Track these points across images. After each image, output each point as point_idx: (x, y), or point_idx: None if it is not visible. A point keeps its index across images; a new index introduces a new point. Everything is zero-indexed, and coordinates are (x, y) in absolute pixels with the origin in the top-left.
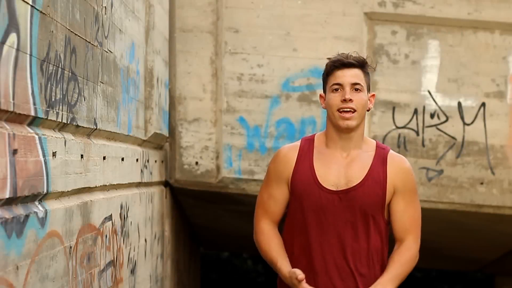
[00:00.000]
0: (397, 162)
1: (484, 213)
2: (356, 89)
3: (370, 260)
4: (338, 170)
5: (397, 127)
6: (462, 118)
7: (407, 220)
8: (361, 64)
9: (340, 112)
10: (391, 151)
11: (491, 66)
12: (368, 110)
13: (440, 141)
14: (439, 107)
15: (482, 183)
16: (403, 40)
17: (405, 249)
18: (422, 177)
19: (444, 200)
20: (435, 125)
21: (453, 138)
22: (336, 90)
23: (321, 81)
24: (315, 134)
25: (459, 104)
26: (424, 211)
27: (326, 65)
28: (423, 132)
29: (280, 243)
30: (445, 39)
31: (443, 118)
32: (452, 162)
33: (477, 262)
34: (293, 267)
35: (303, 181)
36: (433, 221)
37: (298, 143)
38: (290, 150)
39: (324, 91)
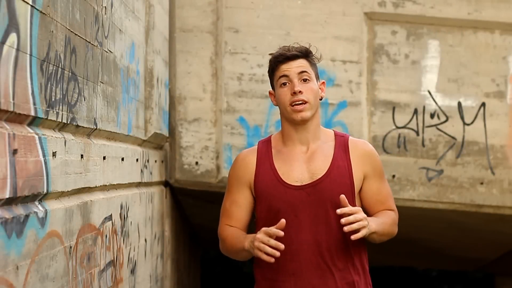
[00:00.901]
0: (359, 147)
1: (484, 213)
2: (305, 80)
3: (348, 252)
4: (300, 165)
5: (397, 127)
6: (462, 118)
7: (383, 199)
8: (305, 54)
9: (292, 105)
10: (350, 137)
11: (491, 66)
12: (320, 99)
13: (440, 141)
14: (439, 107)
15: (482, 183)
16: (403, 40)
17: (388, 211)
18: (422, 177)
19: (444, 200)
20: (435, 125)
21: (453, 138)
22: (284, 84)
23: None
24: (271, 135)
25: (459, 104)
26: (424, 211)
27: (270, 60)
28: (423, 132)
29: (238, 231)
30: (445, 39)
31: (443, 118)
32: (452, 162)
33: (477, 262)
34: (267, 270)
35: (266, 183)
36: (433, 221)
37: (255, 146)
38: (248, 154)
39: (273, 88)
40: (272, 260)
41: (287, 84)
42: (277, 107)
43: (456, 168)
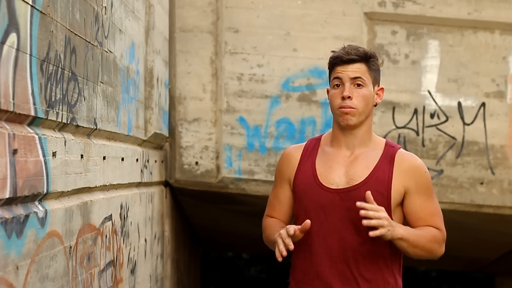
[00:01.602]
0: (406, 161)
1: (484, 213)
2: (358, 85)
3: (376, 265)
4: (340, 168)
5: (397, 127)
6: (462, 118)
7: (427, 217)
8: (363, 58)
9: (340, 109)
10: (400, 149)
11: (491, 66)
12: (375, 105)
13: (440, 141)
14: (439, 107)
15: (482, 183)
16: (403, 40)
17: (431, 227)
18: None
19: (444, 200)
20: (435, 125)
21: (453, 138)
22: (337, 86)
23: (321, 81)
24: (323, 134)
25: (459, 104)
26: None
27: (329, 58)
28: (423, 132)
29: (279, 222)
30: (445, 39)
31: (443, 118)
32: (452, 162)
33: (477, 262)
34: (297, 271)
35: (304, 180)
36: None
37: (304, 143)
38: (294, 150)
39: (330, 85)
40: (280, 258)
41: (339, 86)
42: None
43: (456, 168)
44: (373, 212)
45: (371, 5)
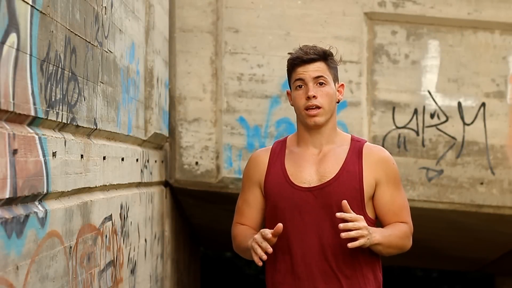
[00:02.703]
0: (374, 153)
1: (484, 213)
2: (321, 83)
3: (356, 260)
4: (310, 167)
5: (397, 127)
6: (462, 118)
7: (397, 209)
8: (323, 57)
9: (306, 110)
10: (367, 143)
11: (491, 66)
12: (338, 102)
13: (440, 141)
14: (439, 107)
15: (482, 183)
16: (403, 40)
17: (400, 223)
18: (422, 177)
19: (444, 200)
20: (435, 125)
21: (453, 138)
22: (300, 87)
23: None
24: (287, 136)
25: (459, 104)
26: (424, 211)
27: (287, 61)
28: (423, 132)
29: (249, 229)
30: (445, 39)
31: (443, 118)
32: (452, 162)
33: (477, 262)
34: (275, 273)
35: (275, 182)
36: (433, 221)
37: (270, 146)
38: (261, 153)
39: (290, 87)
40: (260, 263)
41: (302, 87)
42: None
43: (456, 168)
44: (352, 224)
45: (371, 5)
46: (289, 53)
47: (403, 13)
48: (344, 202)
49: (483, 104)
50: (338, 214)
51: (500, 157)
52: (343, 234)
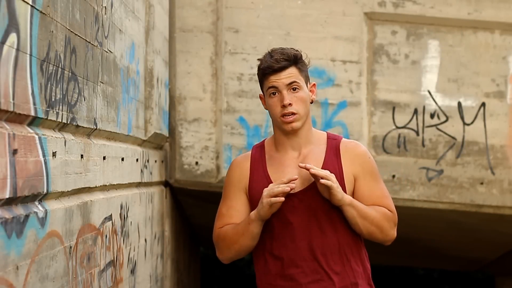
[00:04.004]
0: (350, 149)
1: (484, 213)
2: (294, 89)
3: (344, 256)
4: (292, 171)
5: (397, 127)
6: (462, 118)
7: (377, 199)
8: (293, 61)
9: (283, 117)
10: (343, 139)
11: (491, 66)
12: (311, 102)
13: (440, 141)
14: (439, 107)
15: (482, 183)
16: (403, 40)
17: (381, 206)
18: (422, 177)
19: (444, 200)
20: (435, 125)
21: (453, 138)
22: (274, 94)
23: (320, 81)
24: (265, 140)
25: (459, 104)
26: (424, 211)
27: (258, 68)
28: (423, 132)
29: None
30: (445, 39)
31: (443, 118)
32: (452, 162)
33: (477, 262)
34: (267, 276)
35: (259, 189)
36: (433, 221)
37: (249, 152)
38: (243, 160)
39: (263, 91)
40: (282, 199)
41: (276, 94)
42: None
43: (456, 168)
44: (321, 171)
45: (371, 5)
46: (258, 59)
47: (403, 13)
48: (308, 166)
49: (483, 104)
50: (301, 164)
51: (500, 157)
52: (312, 170)
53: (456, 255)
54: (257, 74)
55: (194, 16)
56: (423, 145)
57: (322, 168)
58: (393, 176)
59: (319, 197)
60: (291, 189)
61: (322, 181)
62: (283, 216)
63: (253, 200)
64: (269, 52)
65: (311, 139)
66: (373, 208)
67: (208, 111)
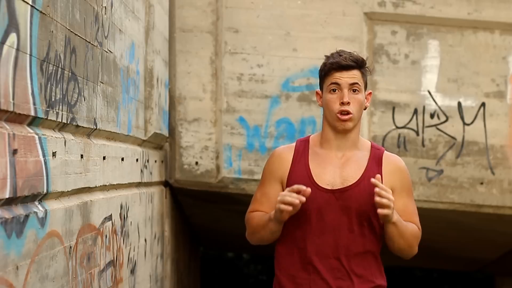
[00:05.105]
0: (392, 162)
1: (484, 213)
2: (354, 90)
3: (366, 262)
4: (334, 170)
5: (397, 127)
6: (462, 118)
7: (408, 215)
8: (359, 65)
9: (339, 114)
10: (386, 151)
11: (491, 66)
12: (365, 109)
13: (440, 141)
14: (439, 107)
15: (482, 183)
16: (403, 40)
17: (412, 223)
18: (422, 177)
19: (444, 200)
20: (435, 125)
21: (453, 138)
22: (334, 91)
23: None
24: (310, 136)
25: (459, 104)
26: (424, 211)
27: (324, 64)
28: (423, 132)
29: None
30: (445, 39)
31: (443, 118)
32: (452, 162)
33: (477, 262)
34: (288, 265)
35: (299, 181)
36: (433, 221)
37: (293, 144)
38: (285, 150)
39: (321, 88)
40: (290, 208)
41: (336, 91)
42: (322, 108)
43: (456, 168)
44: (385, 192)
45: (371, 5)
46: (326, 56)
47: (403, 13)
48: (378, 176)
49: (483, 104)
50: (373, 180)
51: (500, 157)
52: (377, 199)
53: (456, 255)
54: (320, 70)
55: (194, 16)
56: (423, 145)
57: (363, 174)
58: None
59: (356, 200)
60: (300, 202)
61: (380, 211)
62: (317, 211)
63: None
64: (337, 51)
65: (357, 144)
66: (409, 224)
67: (208, 111)
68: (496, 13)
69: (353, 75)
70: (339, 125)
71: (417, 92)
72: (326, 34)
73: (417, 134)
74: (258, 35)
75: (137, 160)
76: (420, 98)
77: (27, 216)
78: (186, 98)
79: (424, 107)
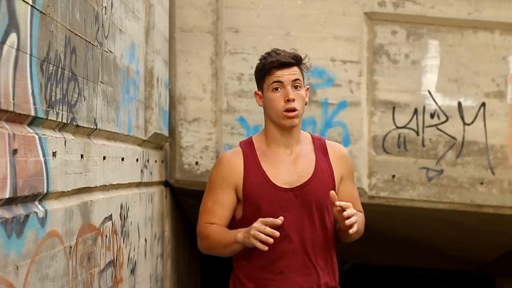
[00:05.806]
0: (337, 150)
1: (484, 213)
2: (296, 86)
3: (327, 252)
4: (287, 168)
5: (397, 127)
6: (462, 118)
7: (355, 200)
8: (298, 62)
9: (285, 112)
10: (326, 140)
11: (491, 66)
12: (305, 104)
13: (440, 141)
14: (439, 107)
15: (482, 183)
16: (403, 40)
17: (359, 212)
18: (422, 177)
19: (444, 200)
20: (435, 125)
21: (453, 138)
22: (277, 89)
23: (321, 81)
24: (251, 137)
25: (459, 104)
26: (424, 211)
27: (263, 64)
28: (423, 132)
29: (222, 227)
30: (445, 39)
31: (443, 118)
32: (452, 162)
33: (477, 262)
34: (253, 270)
35: (255, 184)
36: (433, 221)
37: (238, 148)
38: (234, 155)
39: (260, 89)
40: (266, 248)
41: (279, 89)
42: (263, 108)
43: (456, 168)
44: (351, 211)
45: (371, 5)
46: (261, 56)
47: (403, 13)
48: (332, 192)
49: (483, 104)
50: (338, 203)
51: (500, 157)
52: (347, 222)
53: (456, 255)
54: (257, 70)
55: (194, 16)
56: (423, 145)
57: (315, 167)
58: (393, 176)
59: (314, 194)
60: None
61: (351, 231)
62: (278, 211)
63: (249, 195)
64: (273, 50)
65: (300, 138)
66: (360, 218)
67: (208, 111)
68: (496, 13)
69: (294, 72)
70: (286, 123)
71: (417, 92)
72: (326, 34)
73: (417, 134)
74: (258, 35)
75: (137, 160)
76: (420, 98)
77: (27, 216)
78: (186, 98)
79: (424, 107)
